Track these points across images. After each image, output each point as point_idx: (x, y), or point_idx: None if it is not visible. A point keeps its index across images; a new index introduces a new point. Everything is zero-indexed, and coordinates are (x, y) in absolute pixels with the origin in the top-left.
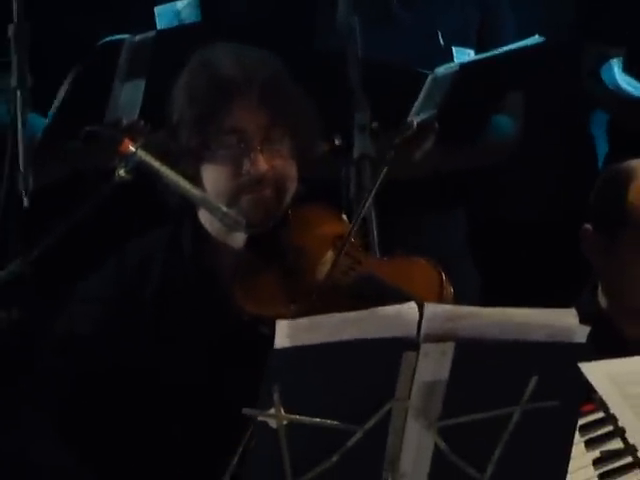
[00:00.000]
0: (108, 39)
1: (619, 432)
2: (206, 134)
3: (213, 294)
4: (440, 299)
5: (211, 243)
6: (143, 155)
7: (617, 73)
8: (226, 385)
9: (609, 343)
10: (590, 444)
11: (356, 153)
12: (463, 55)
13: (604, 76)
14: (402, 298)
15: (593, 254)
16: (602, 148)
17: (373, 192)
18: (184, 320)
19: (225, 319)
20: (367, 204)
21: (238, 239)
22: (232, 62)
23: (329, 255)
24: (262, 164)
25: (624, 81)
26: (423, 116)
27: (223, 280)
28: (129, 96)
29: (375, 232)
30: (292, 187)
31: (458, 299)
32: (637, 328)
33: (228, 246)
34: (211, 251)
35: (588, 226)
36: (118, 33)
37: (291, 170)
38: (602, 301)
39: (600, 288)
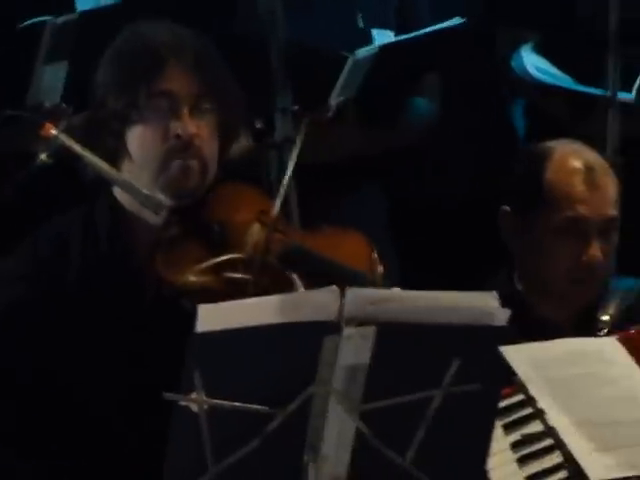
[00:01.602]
0: (30, 21)
1: (539, 414)
2: (136, 95)
3: (132, 269)
4: (370, 268)
5: (128, 219)
6: (64, 139)
7: (525, 59)
8: (149, 363)
9: (525, 325)
10: (509, 427)
11: (278, 136)
12: (383, 37)
13: (513, 63)
14: (330, 266)
15: (510, 236)
16: (521, 131)
17: (291, 166)
18: (104, 297)
19: (144, 294)
20: (288, 177)
21: (157, 216)
22: (164, 30)
23: (255, 228)
24: (191, 127)
25: (533, 67)
26: (342, 98)
27: (142, 255)
28: (51, 79)
29: (296, 215)
30: (214, 163)
31: None
32: (553, 310)
33: (146, 221)
34: (128, 227)
35: (506, 208)
36: (38, 16)
37: (214, 144)
38: (518, 284)
39: (517, 270)
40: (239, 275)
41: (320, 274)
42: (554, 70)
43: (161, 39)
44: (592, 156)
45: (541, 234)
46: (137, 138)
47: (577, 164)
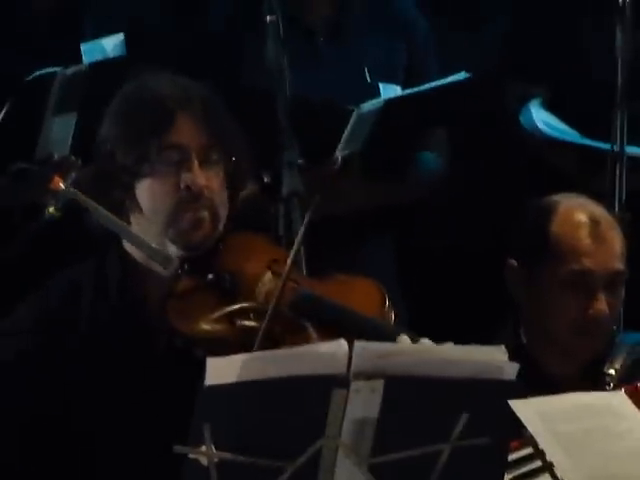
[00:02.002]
0: (39, 72)
1: (548, 468)
2: (146, 149)
3: (143, 321)
4: (382, 315)
5: (138, 271)
6: (73, 192)
7: (534, 115)
8: (160, 415)
9: (531, 379)
10: None
11: (285, 191)
12: (390, 91)
13: (522, 118)
14: (343, 314)
15: (516, 288)
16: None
17: (307, 220)
18: (114, 349)
19: (155, 346)
20: (304, 227)
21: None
22: (169, 82)
23: (267, 277)
24: (201, 179)
25: (542, 122)
26: (348, 151)
27: (152, 307)
28: (60, 130)
29: (304, 267)
30: (224, 213)
31: None
32: (559, 364)
33: (156, 273)
34: (139, 279)
35: (512, 261)
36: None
37: (223, 194)
38: (524, 337)
39: (522, 324)
40: (252, 324)
41: (333, 322)
42: (562, 125)
43: (167, 91)
44: (597, 210)
45: (547, 287)
46: (147, 191)
47: (583, 217)
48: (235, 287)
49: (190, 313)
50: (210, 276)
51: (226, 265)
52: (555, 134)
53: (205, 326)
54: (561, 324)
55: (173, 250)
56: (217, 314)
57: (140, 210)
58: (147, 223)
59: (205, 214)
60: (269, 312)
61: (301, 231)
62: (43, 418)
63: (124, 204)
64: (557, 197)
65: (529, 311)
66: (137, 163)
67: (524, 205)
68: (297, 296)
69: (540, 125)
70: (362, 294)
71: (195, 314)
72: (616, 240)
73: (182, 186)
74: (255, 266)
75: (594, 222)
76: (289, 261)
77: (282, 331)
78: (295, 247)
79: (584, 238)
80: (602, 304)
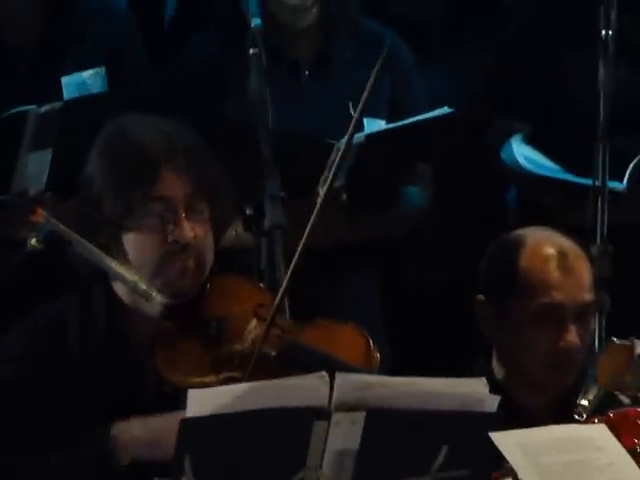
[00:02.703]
0: (14, 110)
1: None
2: (132, 202)
3: (130, 363)
4: (368, 363)
5: (125, 311)
6: (55, 224)
7: (516, 150)
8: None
9: (505, 412)
10: None
11: (267, 223)
12: (374, 125)
13: (503, 154)
14: (329, 363)
15: (486, 324)
16: (513, 217)
17: (293, 264)
18: (102, 389)
19: (143, 389)
20: (288, 276)
21: (154, 307)
22: (151, 131)
23: (253, 324)
24: (188, 231)
25: (523, 158)
26: (330, 185)
27: (140, 349)
28: (36, 166)
29: (286, 302)
30: (211, 257)
31: None
32: (531, 397)
33: (144, 314)
34: (126, 319)
35: (480, 296)
36: (26, 103)
37: (210, 239)
38: (496, 370)
39: (494, 357)
40: (237, 374)
41: (318, 370)
42: (544, 160)
43: (151, 142)
44: (565, 242)
45: (517, 321)
46: (133, 243)
47: (551, 250)
48: (221, 334)
49: (176, 363)
50: (196, 323)
51: (212, 311)
52: (536, 170)
53: (191, 377)
54: (532, 357)
55: (159, 299)
56: (203, 363)
57: (126, 257)
58: (133, 270)
59: (191, 262)
60: (253, 357)
61: (285, 280)
62: (25, 448)
63: (110, 248)
64: (524, 231)
65: (500, 345)
66: (123, 216)
67: (491, 240)
68: (283, 344)
69: (521, 160)
70: (347, 340)
71: (181, 363)
72: (584, 271)
73: (169, 240)
74: (241, 312)
75: (562, 254)
76: (271, 311)
77: (267, 379)
78: (281, 294)
79: (553, 271)
80: (573, 336)
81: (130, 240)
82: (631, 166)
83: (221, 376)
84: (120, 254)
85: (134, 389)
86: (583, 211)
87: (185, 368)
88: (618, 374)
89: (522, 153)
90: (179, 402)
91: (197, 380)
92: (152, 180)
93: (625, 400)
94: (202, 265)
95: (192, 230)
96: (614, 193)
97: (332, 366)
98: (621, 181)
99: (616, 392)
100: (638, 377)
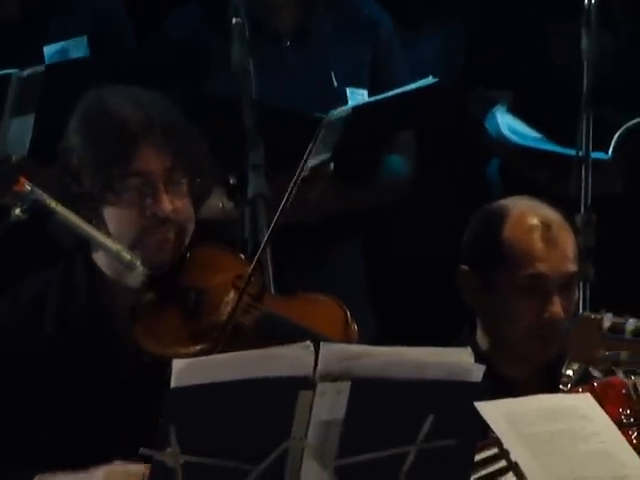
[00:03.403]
0: None
1: (512, 467)
2: (111, 177)
3: (110, 333)
4: (345, 336)
5: (106, 282)
6: (39, 194)
7: (500, 121)
8: (124, 427)
9: (490, 383)
10: None
11: (250, 192)
12: (357, 96)
13: (488, 125)
14: (305, 335)
15: (470, 294)
16: (497, 189)
17: (267, 235)
18: (81, 360)
19: (122, 359)
20: (264, 246)
21: (135, 279)
22: (130, 104)
23: (231, 295)
24: (167, 205)
25: (507, 129)
26: (318, 159)
27: (120, 319)
28: (18, 132)
29: (270, 272)
30: (191, 227)
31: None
32: (516, 368)
33: (124, 285)
34: (106, 290)
35: (464, 267)
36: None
37: (190, 210)
38: (480, 341)
39: (478, 328)
40: (214, 345)
41: (295, 342)
42: (528, 131)
43: (129, 116)
44: (549, 212)
45: (501, 293)
46: (113, 217)
47: (534, 221)
48: (200, 305)
49: (155, 333)
50: (175, 294)
51: (191, 282)
52: (520, 140)
53: (169, 347)
54: (517, 328)
55: (142, 268)
56: (182, 333)
57: (107, 230)
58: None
59: (171, 234)
60: (228, 326)
61: (262, 247)
62: (5, 418)
63: (91, 222)
64: (507, 201)
65: (484, 316)
66: (102, 191)
67: (474, 211)
68: (260, 316)
69: (505, 131)
70: (326, 313)
71: (160, 333)
72: (568, 242)
73: (148, 214)
74: (220, 283)
75: (546, 225)
76: (249, 278)
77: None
78: (254, 265)
79: (537, 242)
80: (557, 307)
81: (109, 214)
82: (616, 136)
83: (199, 347)
84: (100, 227)
85: (113, 359)
86: (568, 182)
87: (164, 339)
88: (589, 348)
89: (506, 123)
90: (157, 372)
91: (175, 350)
92: (130, 155)
93: (597, 374)
94: (182, 236)
95: (171, 203)
96: (599, 163)
97: (309, 339)
98: (606, 152)
99: (589, 366)
100: (609, 351)
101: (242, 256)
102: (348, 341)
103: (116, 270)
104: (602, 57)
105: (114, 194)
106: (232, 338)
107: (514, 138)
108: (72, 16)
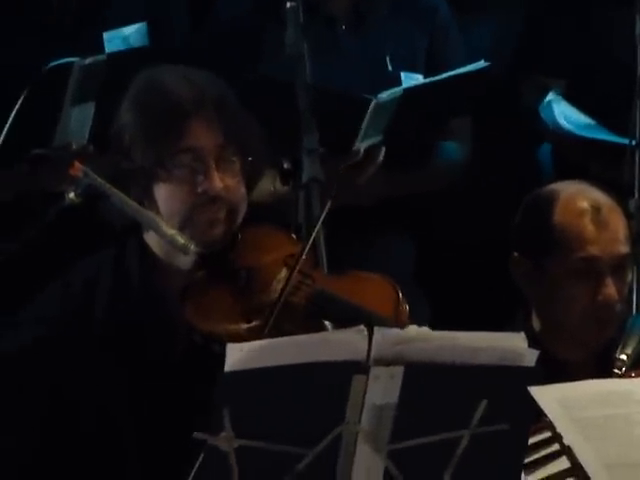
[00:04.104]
0: (57, 62)
1: (565, 451)
2: (162, 153)
3: (163, 316)
4: (396, 315)
5: (158, 265)
6: (93, 178)
7: (556, 111)
8: (180, 407)
9: (544, 367)
10: (533, 465)
11: (305, 177)
12: (412, 80)
13: (543, 114)
14: (357, 313)
15: (523, 280)
16: (548, 174)
17: (322, 217)
18: (134, 342)
19: (175, 340)
20: (318, 226)
21: (186, 260)
22: (182, 82)
23: (282, 273)
24: (218, 182)
25: (563, 118)
26: (369, 141)
27: (172, 301)
28: (78, 119)
29: (324, 257)
30: (243, 207)
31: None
32: (571, 351)
33: (176, 267)
34: (158, 273)
35: (516, 254)
36: (69, 57)
37: (242, 189)
38: (536, 325)
39: (533, 314)
40: (267, 322)
41: (347, 319)
42: (584, 118)
43: (181, 92)
44: (599, 195)
45: (554, 277)
46: (164, 194)
47: (584, 205)
48: (251, 283)
49: (206, 311)
50: (226, 272)
51: (242, 261)
52: (576, 130)
53: (221, 324)
54: (571, 312)
55: (195, 250)
56: (234, 311)
57: (158, 210)
58: (165, 221)
59: (222, 213)
60: (278, 301)
61: (317, 226)
62: (61, 406)
63: (143, 204)
64: (556, 186)
65: (538, 302)
66: (153, 167)
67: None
68: (312, 293)
69: (561, 120)
70: (377, 291)
71: (211, 311)
72: (619, 224)
73: (199, 191)
74: (271, 262)
75: (595, 208)
76: (298, 255)
77: (297, 328)
78: (309, 242)
79: (587, 225)
80: (611, 289)
81: (160, 191)
82: None
83: (251, 324)
84: (151, 205)
85: (165, 342)
86: (621, 169)
87: (215, 316)
88: None
89: (562, 112)
90: (210, 352)
91: (227, 328)
92: (181, 131)
93: None
94: (233, 216)
95: (222, 181)
96: None
97: (361, 316)
98: None
99: None
100: None
101: (294, 236)
102: (399, 319)
103: (168, 252)
104: None
105: (165, 170)
106: (284, 315)
107: (569, 127)
108: (127, 1)
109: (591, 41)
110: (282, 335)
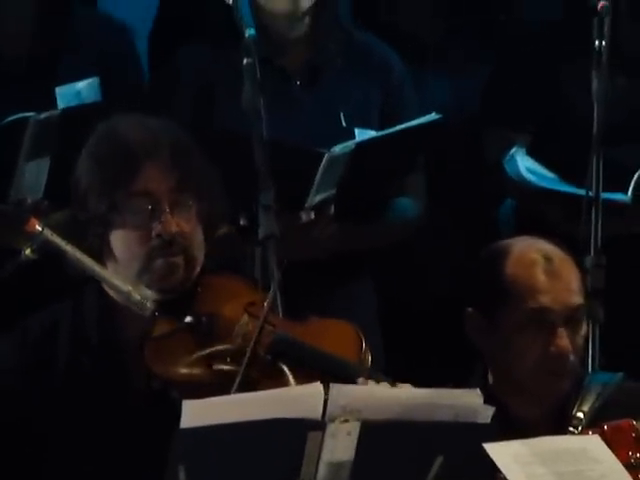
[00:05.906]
0: (12, 117)
1: None
2: (115, 198)
3: (120, 363)
4: (360, 361)
5: (117, 310)
6: (49, 234)
7: (520, 163)
8: (135, 454)
9: (500, 423)
10: None
11: (261, 233)
12: (365, 136)
13: (507, 167)
14: (320, 358)
15: (477, 335)
16: (508, 231)
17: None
18: (93, 389)
19: (132, 388)
20: (277, 276)
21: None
22: (136, 127)
23: (244, 319)
24: (172, 225)
25: (527, 170)
26: (322, 196)
27: (130, 348)
28: (33, 174)
29: (280, 308)
30: (200, 254)
31: None
32: (526, 407)
33: (134, 313)
34: (117, 318)
35: (470, 309)
36: (21, 112)
37: (198, 235)
38: (491, 380)
39: (489, 369)
40: (228, 367)
41: (309, 365)
42: (545, 172)
43: (135, 138)
44: (550, 247)
45: (507, 330)
46: (119, 240)
47: (536, 256)
48: (212, 329)
49: (167, 356)
50: (187, 319)
51: (203, 307)
52: (538, 182)
53: (182, 369)
54: (525, 365)
55: (149, 294)
56: (193, 357)
57: (115, 257)
58: (122, 269)
59: (179, 259)
60: (247, 355)
61: (277, 276)
62: (18, 456)
63: (100, 251)
64: (509, 240)
65: (492, 357)
66: (107, 213)
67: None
68: (274, 339)
69: (524, 173)
70: (339, 336)
71: (172, 357)
72: (572, 275)
73: (153, 235)
74: (232, 309)
75: (547, 259)
76: (266, 303)
77: (259, 374)
78: (272, 290)
79: (539, 275)
80: (564, 341)
81: (116, 237)
82: (636, 177)
83: (212, 369)
84: (109, 254)
85: (123, 389)
86: (580, 222)
87: (175, 362)
88: None
89: (525, 165)
90: (168, 400)
91: (186, 372)
92: (134, 175)
93: None
94: (191, 261)
95: (177, 225)
96: (619, 204)
97: (323, 360)
98: (626, 192)
99: None
100: None
101: (254, 284)
102: (362, 361)
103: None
104: (618, 98)
105: (120, 216)
106: (248, 361)
107: (532, 178)
108: (79, 55)
109: (552, 95)
110: (244, 383)
